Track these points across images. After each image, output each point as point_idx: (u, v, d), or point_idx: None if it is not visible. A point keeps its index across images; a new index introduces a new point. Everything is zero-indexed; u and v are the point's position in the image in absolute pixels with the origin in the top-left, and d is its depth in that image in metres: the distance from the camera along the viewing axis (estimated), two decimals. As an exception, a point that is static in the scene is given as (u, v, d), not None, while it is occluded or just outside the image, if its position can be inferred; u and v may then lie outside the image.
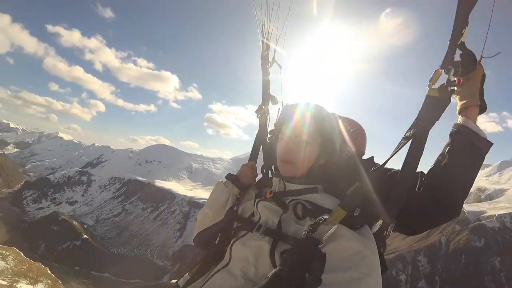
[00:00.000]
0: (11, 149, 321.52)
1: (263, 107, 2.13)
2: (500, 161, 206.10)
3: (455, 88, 1.38)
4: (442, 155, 1.41)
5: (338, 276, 1.06)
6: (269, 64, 2.20)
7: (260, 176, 1.90)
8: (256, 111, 2.14)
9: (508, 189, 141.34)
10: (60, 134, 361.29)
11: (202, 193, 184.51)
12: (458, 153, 1.36)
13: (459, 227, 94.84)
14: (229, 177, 1.79)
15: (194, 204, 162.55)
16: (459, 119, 1.41)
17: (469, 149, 1.35)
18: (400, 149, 1.36)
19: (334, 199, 1.44)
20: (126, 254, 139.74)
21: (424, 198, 1.35)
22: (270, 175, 1.87)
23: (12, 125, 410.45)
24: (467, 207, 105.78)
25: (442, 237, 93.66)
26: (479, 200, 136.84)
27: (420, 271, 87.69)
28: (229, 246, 1.51)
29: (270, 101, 2.14)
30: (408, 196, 1.33)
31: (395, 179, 1.36)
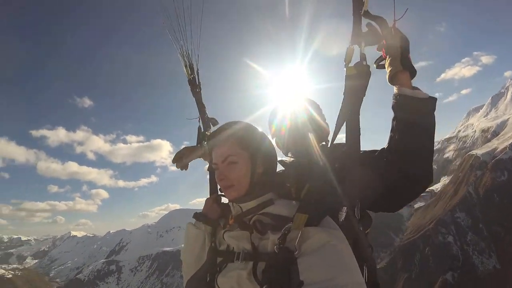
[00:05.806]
0: (30, 262, 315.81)
1: (207, 133, 2.02)
2: (490, 97, 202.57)
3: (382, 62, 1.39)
4: (392, 130, 1.40)
5: (314, 271, 1.11)
6: (198, 87, 2.13)
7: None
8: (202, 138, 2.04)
9: (508, 118, 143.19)
10: (73, 233, 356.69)
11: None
12: (406, 123, 1.35)
13: (480, 172, 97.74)
14: (198, 217, 1.69)
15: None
16: (394, 89, 1.39)
17: (414, 115, 1.33)
18: (334, 139, 1.37)
19: (289, 203, 1.45)
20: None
21: (391, 177, 1.37)
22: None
23: (23, 238, 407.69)
24: (479, 151, 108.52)
25: (469, 187, 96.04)
26: (487, 140, 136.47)
27: (463, 226, 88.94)
28: (215, 282, 1.50)
29: (211, 124, 2.11)
30: (366, 178, 1.31)
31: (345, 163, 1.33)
